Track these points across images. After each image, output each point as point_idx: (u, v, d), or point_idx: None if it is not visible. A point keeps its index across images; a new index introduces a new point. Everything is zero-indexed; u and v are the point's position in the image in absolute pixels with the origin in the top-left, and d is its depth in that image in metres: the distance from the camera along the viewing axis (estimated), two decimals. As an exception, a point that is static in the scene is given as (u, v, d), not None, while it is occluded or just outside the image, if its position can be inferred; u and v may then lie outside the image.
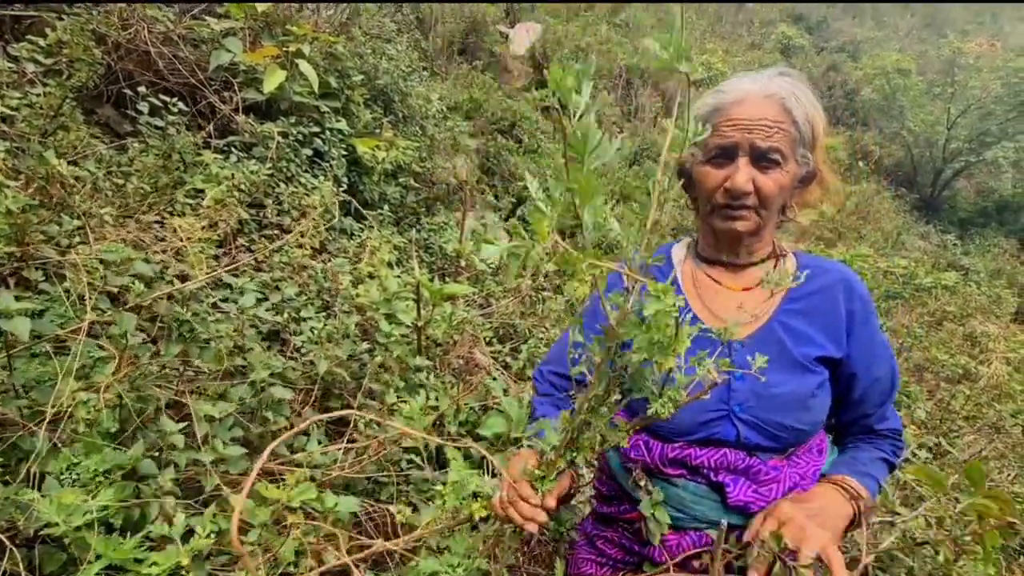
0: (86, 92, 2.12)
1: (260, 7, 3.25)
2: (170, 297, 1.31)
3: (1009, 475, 2.76)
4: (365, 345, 1.91)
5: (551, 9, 11.09)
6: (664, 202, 0.72)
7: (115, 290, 1.26)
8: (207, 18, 3.11)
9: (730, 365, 0.78)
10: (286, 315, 1.81)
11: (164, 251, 1.93)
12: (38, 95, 1.95)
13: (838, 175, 1.11)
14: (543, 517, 0.87)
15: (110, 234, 1.58)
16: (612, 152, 0.65)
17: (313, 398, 1.54)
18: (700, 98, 1.05)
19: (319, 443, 1.40)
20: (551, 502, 0.87)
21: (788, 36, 17.89)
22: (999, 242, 12.59)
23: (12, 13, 2.17)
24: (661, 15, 14.77)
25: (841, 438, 1.12)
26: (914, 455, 2.79)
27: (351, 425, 1.51)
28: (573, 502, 1.39)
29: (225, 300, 1.48)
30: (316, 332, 1.59)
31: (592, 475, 1.44)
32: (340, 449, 1.36)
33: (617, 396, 0.82)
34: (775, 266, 1.06)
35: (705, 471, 0.96)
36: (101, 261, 1.25)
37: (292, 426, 1.43)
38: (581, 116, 0.63)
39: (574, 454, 0.86)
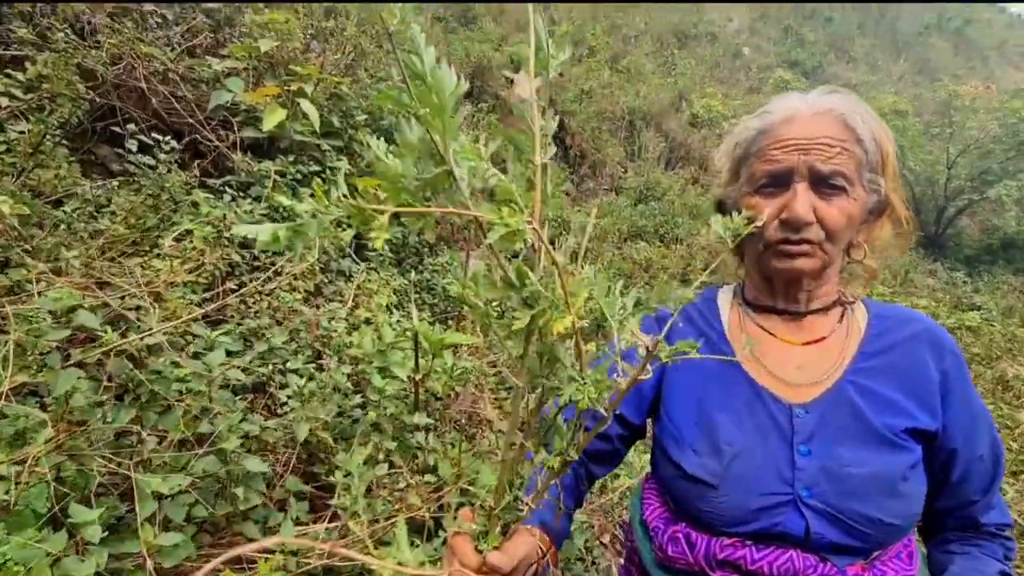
0: (71, 129, 2.02)
1: (264, 47, 3.22)
2: (120, 352, 1.14)
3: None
4: (358, 399, 1.72)
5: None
6: (547, 145, 0.53)
7: (57, 345, 1.10)
8: (208, 58, 3.07)
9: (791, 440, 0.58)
10: (270, 367, 1.64)
11: (141, 296, 1.77)
12: (20, 132, 1.84)
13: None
14: None
15: (78, 280, 1.43)
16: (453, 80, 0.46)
17: (294, 464, 1.34)
18: (740, 123, 0.90)
19: (295, 520, 1.19)
20: (495, 558, 0.62)
21: (785, 80, 18.28)
22: (1007, 279, 12.41)
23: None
24: (663, 60, 15.17)
25: (934, 531, 0.90)
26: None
27: (336, 493, 1.31)
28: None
29: (198, 354, 1.32)
30: (300, 388, 1.41)
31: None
32: (323, 528, 1.15)
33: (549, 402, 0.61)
34: (842, 315, 0.88)
35: None
36: (51, 313, 1.09)
37: (268, 501, 1.22)
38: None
39: (516, 492, 0.63)
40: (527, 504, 0.63)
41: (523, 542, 0.67)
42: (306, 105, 3.14)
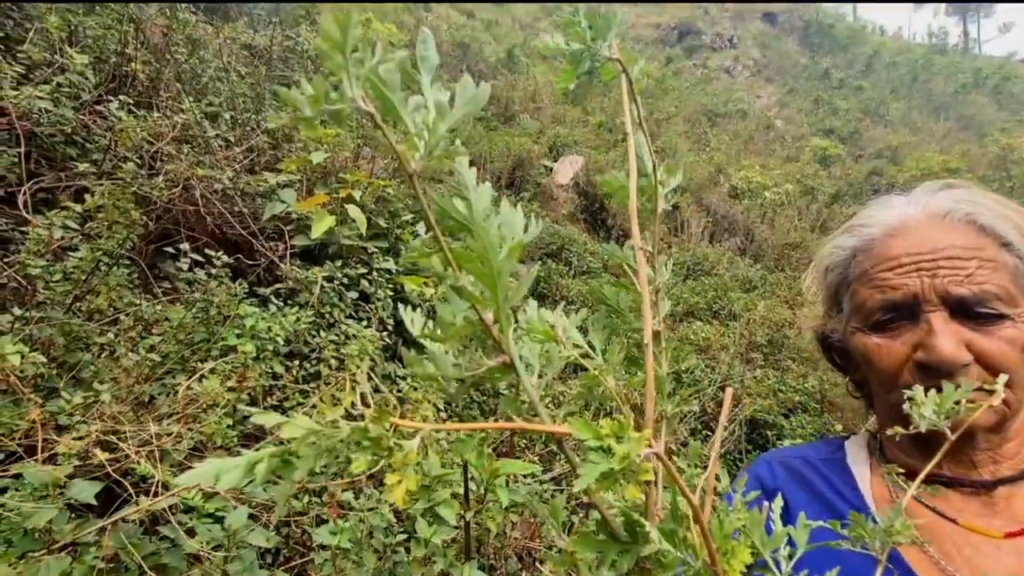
0: (127, 251, 2.08)
1: (316, 160, 3.37)
2: (125, 520, 0.99)
3: None
4: (400, 536, 1.50)
5: (591, 142, 11.79)
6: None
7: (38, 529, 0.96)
8: (265, 173, 3.23)
9: None
10: (305, 501, 1.46)
11: (177, 421, 1.68)
12: (79, 259, 1.88)
13: None
14: None
15: (107, 411, 1.34)
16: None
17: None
18: (823, 245, 0.71)
19: None
20: None
21: (823, 147, 18.20)
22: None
23: (71, 185, 2.25)
24: (696, 138, 15.50)
25: None
26: None
27: None
28: None
29: (218, 512, 1.17)
30: (336, 541, 1.21)
31: None
32: None
33: None
34: None
35: None
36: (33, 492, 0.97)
37: None
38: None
39: None
40: None
41: None
42: (353, 210, 3.20)
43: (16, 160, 2.39)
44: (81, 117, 2.32)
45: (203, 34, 4.16)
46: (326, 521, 1.31)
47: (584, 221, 9.14)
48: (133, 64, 2.68)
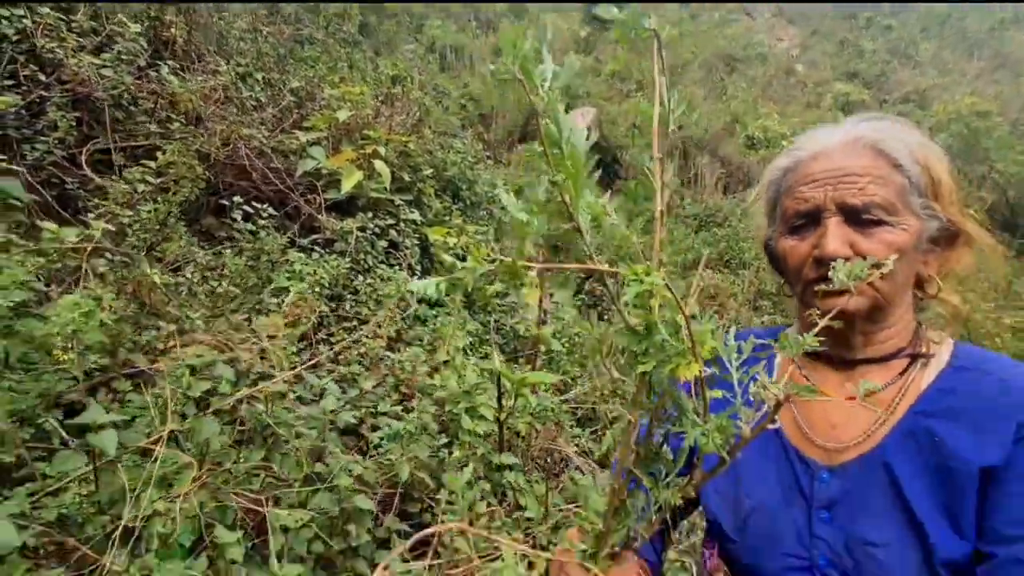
0: (189, 205, 2.33)
1: (341, 117, 3.56)
2: (252, 399, 1.28)
3: None
4: (443, 439, 1.81)
5: (603, 93, 11.60)
6: (666, 189, 0.58)
7: (198, 396, 1.26)
8: (296, 131, 3.43)
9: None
10: (363, 411, 1.76)
11: (250, 350, 1.97)
12: (148, 211, 2.14)
13: (988, 228, 0.82)
14: None
15: (201, 337, 1.63)
16: (583, 135, 0.55)
17: (393, 504, 1.43)
18: (773, 161, 0.87)
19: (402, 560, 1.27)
20: None
21: (846, 92, 17.58)
22: None
23: (127, 145, 2.49)
24: (712, 85, 15.08)
25: None
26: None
27: (436, 537, 1.37)
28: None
29: (303, 399, 1.46)
30: (394, 429, 1.51)
31: None
32: (425, 566, 1.22)
33: (660, 436, 0.64)
34: (904, 368, 0.76)
35: None
36: (190, 367, 1.26)
37: (373, 538, 1.31)
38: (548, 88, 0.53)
39: (626, 523, 0.66)
40: (641, 534, 0.67)
41: (631, 568, 0.69)
42: (379, 165, 3.41)
43: (74, 124, 2.63)
44: (138, 82, 2.53)
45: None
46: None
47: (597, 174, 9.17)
48: (173, 29, 2.85)
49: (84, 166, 2.64)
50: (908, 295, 0.77)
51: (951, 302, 0.80)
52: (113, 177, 2.12)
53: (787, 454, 0.78)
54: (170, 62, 2.69)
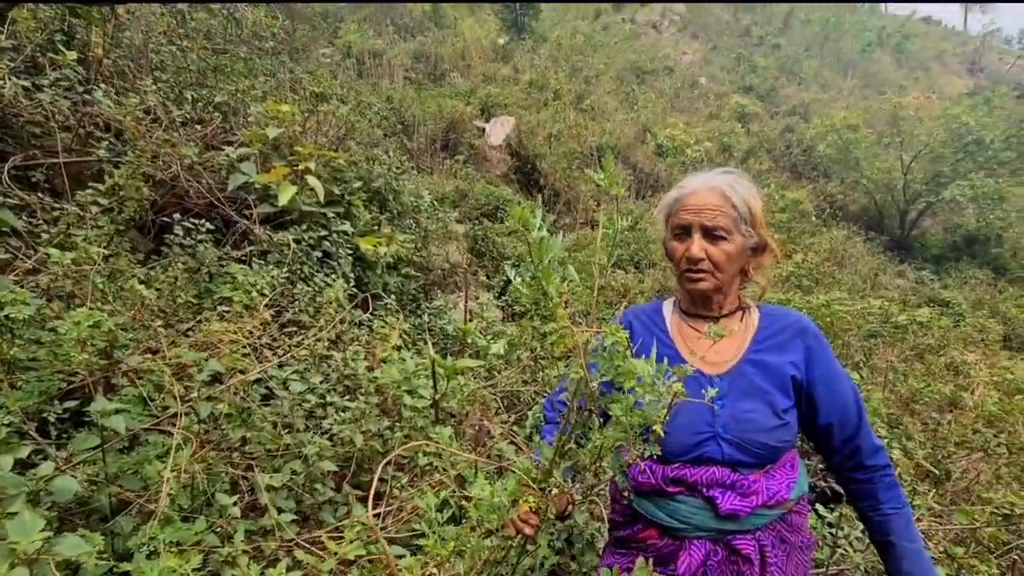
0: (133, 224, 2.45)
1: (271, 135, 3.71)
2: (231, 388, 1.53)
3: (1004, 493, 2.88)
4: (386, 422, 2.11)
5: (521, 102, 12.10)
6: (603, 274, 1.01)
7: (183, 390, 1.49)
8: (225, 147, 3.55)
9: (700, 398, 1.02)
10: (313, 400, 2.03)
11: (204, 352, 2.16)
12: (101, 227, 2.27)
13: (780, 245, 1.38)
14: (532, 526, 1.11)
15: (167, 343, 1.83)
16: (559, 248, 0.96)
17: (350, 473, 1.72)
18: (668, 192, 1.37)
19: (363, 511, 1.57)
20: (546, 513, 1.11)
21: (742, 105, 19.39)
22: (974, 273, 13.04)
23: (70, 160, 2.56)
24: (623, 96, 16.04)
25: (844, 483, 1.29)
26: (915, 491, 2.92)
27: (385, 496, 1.69)
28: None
29: (267, 393, 1.71)
30: (345, 413, 1.80)
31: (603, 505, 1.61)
32: (380, 512, 1.54)
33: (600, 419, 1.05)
34: (741, 317, 1.30)
35: (699, 487, 1.17)
36: (179, 364, 1.49)
37: (335, 500, 1.61)
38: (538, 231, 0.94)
39: (568, 462, 1.08)
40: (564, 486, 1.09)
41: (563, 503, 1.20)
42: (312, 180, 3.62)
43: (-9, 141, 2.64)
44: (67, 101, 2.58)
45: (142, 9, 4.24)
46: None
47: (517, 181, 9.63)
48: (99, 50, 2.90)
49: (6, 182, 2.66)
50: (737, 280, 1.28)
51: (761, 282, 1.35)
52: (51, 199, 2.21)
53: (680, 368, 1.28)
54: (103, 86, 2.75)
